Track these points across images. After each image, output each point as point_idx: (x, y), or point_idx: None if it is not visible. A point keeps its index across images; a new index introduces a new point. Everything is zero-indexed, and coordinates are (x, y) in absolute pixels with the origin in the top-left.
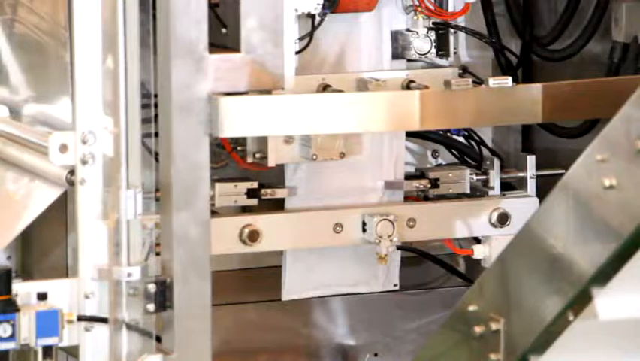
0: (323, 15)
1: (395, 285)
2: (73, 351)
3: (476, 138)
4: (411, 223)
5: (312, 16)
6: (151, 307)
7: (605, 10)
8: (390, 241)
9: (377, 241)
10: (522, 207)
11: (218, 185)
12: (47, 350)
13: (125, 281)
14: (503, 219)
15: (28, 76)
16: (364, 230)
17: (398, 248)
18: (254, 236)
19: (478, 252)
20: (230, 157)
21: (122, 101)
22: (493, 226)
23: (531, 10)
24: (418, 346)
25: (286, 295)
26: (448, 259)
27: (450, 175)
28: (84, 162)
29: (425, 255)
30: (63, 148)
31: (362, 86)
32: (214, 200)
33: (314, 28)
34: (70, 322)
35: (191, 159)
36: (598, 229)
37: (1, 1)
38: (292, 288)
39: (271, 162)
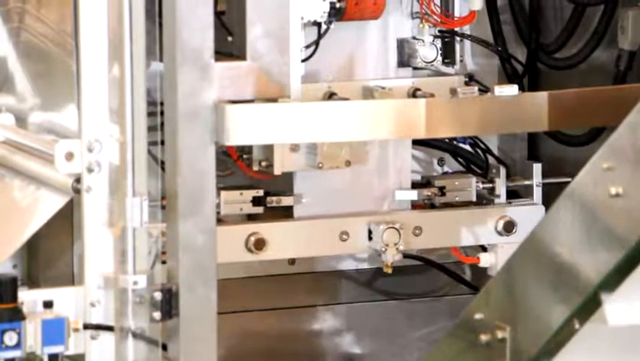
0: (329, 23)
1: None
2: (79, 359)
3: (482, 145)
4: (417, 231)
5: (318, 24)
6: (157, 315)
7: (612, 18)
8: (397, 249)
9: (383, 249)
10: (528, 215)
11: (223, 193)
12: (53, 359)
13: (131, 289)
14: (509, 227)
15: (35, 84)
16: (370, 238)
17: (405, 256)
18: (260, 244)
19: (485, 260)
20: (236, 165)
21: (128, 109)
22: (500, 234)
23: (537, 18)
24: (424, 354)
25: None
26: (455, 268)
27: (456, 183)
28: (90, 170)
29: (431, 263)
30: (69, 156)
31: (368, 94)
32: (220, 208)
33: (320, 36)
34: (76, 330)
35: (197, 167)
36: (604, 237)
37: (9, 9)
38: (305, 208)
39: (277, 170)
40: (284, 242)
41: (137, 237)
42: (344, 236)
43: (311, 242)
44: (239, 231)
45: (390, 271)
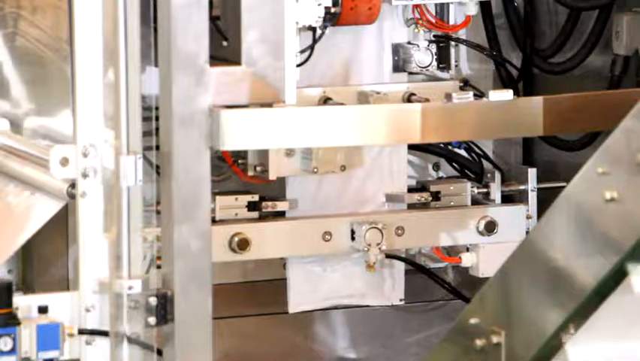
0: (324, 28)
1: (401, 299)
2: None
3: (477, 150)
4: (399, 232)
5: (313, 29)
6: (152, 320)
7: (606, 23)
8: (379, 249)
9: (365, 248)
10: (509, 215)
11: (218, 198)
12: None
13: (126, 294)
14: (490, 227)
15: (30, 89)
16: (353, 238)
17: (387, 256)
18: (243, 244)
19: (466, 260)
20: (231, 170)
21: (123, 114)
22: (481, 234)
23: (532, 23)
24: (420, 359)
25: (293, 308)
26: (444, 273)
27: (451, 188)
28: (85, 176)
29: (411, 263)
30: (64, 161)
31: (363, 98)
32: (215, 213)
33: (315, 41)
34: (71, 335)
35: (192, 172)
36: (599, 241)
37: (4, 14)
38: (298, 301)
39: (272, 175)
40: (267, 242)
41: (131, 242)
42: (327, 236)
43: (294, 242)
44: (223, 231)
45: (373, 271)
